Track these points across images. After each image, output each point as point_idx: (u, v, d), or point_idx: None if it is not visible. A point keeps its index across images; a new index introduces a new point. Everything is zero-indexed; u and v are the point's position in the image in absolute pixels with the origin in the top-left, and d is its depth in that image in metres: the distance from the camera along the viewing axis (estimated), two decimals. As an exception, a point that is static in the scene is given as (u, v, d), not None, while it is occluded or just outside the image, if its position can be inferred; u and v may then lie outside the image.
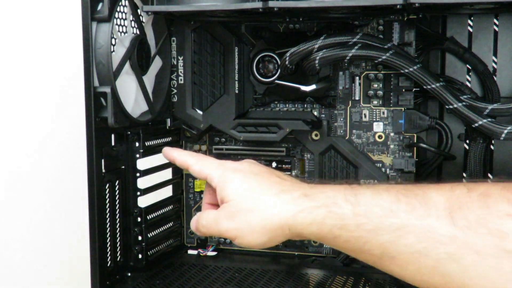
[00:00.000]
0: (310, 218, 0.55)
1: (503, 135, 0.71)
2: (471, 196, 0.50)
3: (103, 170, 0.70)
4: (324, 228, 0.54)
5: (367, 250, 0.53)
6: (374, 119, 0.81)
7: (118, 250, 0.74)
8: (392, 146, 0.80)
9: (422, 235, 0.50)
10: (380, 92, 0.79)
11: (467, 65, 0.79)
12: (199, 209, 0.88)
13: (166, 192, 0.86)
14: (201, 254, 0.87)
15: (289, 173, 0.84)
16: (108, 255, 0.72)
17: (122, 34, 0.74)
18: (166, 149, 0.71)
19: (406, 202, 0.51)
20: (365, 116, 0.81)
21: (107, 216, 0.72)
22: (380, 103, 0.80)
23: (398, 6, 0.63)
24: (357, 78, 0.80)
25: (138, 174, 0.77)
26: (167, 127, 0.84)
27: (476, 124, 0.72)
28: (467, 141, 0.80)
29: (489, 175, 0.79)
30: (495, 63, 0.78)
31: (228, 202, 0.59)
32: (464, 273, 0.49)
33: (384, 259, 0.52)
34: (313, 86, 0.79)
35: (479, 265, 0.48)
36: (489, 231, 0.47)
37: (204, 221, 0.62)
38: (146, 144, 0.77)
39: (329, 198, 0.55)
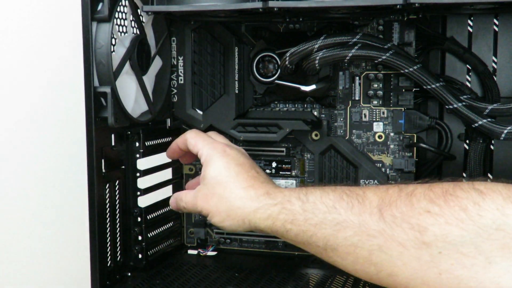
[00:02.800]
0: (266, 214, 0.62)
1: (503, 135, 0.71)
2: (400, 195, 0.56)
3: (103, 170, 0.70)
4: (277, 222, 0.61)
5: (313, 242, 0.59)
6: (374, 119, 0.81)
7: (118, 250, 0.74)
8: (392, 146, 0.80)
9: (357, 229, 0.56)
10: (380, 92, 0.79)
11: (467, 65, 0.79)
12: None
13: (166, 192, 0.86)
14: (201, 254, 0.87)
15: (289, 173, 0.84)
16: (108, 255, 0.72)
17: (122, 34, 0.74)
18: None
19: (347, 200, 0.58)
20: (365, 116, 0.81)
21: (107, 216, 0.72)
22: (380, 103, 0.80)
23: (398, 6, 0.63)
24: (357, 78, 0.80)
25: (138, 174, 0.77)
26: (167, 127, 0.84)
27: (476, 124, 0.72)
28: (467, 141, 0.80)
29: (489, 175, 0.79)
30: (495, 63, 0.78)
31: (205, 182, 0.67)
32: (391, 263, 0.55)
33: (328, 250, 0.59)
34: (313, 86, 0.79)
35: (403, 255, 0.54)
36: (411, 226, 0.53)
37: (184, 199, 0.69)
38: (146, 144, 0.77)
39: (285, 196, 0.62)
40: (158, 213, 0.82)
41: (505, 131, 0.70)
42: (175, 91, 0.83)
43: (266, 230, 0.63)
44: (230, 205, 0.64)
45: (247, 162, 0.68)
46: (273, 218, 0.62)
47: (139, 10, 0.75)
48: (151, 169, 0.80)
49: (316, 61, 0.73)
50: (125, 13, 0.73)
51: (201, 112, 0.83)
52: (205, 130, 0.83)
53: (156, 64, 0.80)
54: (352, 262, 0.58)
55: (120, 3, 0.70)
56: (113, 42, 0.70)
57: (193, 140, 0.71)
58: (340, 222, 0.57)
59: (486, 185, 0.54)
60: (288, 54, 0.74)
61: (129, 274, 0.76)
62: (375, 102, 0.80)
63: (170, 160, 0.87)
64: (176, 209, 0.72)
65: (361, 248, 0.56)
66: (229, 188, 0.65)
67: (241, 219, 0.64)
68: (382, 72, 0.79)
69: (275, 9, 0.65)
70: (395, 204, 0.55)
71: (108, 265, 0.72)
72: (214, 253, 0.88)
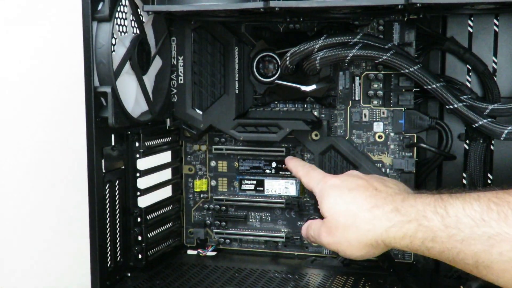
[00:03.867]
0: (401, 232, 0.57)
1: (503, 135, 0.71)
2: None
3: (103, 170, 0.70)
4: (415, 241, 0.56)
5: (461, 259, 0.54)
6: (374, 119, 0.81)
7: (118, 250, 0.74)
8: (392, 146, 0.80)
9: None
10: (380, 92, 0.79)
11: (467, 65, 0.79)
12: (198, 209, 0.88)
13: (166, 192, 0.86)
14: (200, 254, 0.87)
15: (289, 173, 0.84)
16: (108, 255, 0.72)
17: (123, 34, 0.74)
18: (288, 158, 0.80)
19: (497, 210, 0.52)
20: (365, 116, 0.81)
21: (107, 216, 0.71)
22: (380, 103, 0.80)
23: (399, 6, 0.63)
24: (357, 78, 0.80)
25: (138, 174, 0.77)
26: (167, 127, 0.83)
27: (476, 124, 0.72)
28: (467, 141, 0.80)
29: (489, 175, 0.79)
30: (495, 63, 0.78)
31: (326, 218, 0.63)
32: None
33: (480, 268, 0.53)
34: (313, 86, 0.79)
35: None
36: None
37: (312, 232, 0.67)
38: (146, 144, 0.77)
39: (419, 212, 0.56)
40: (158, 213, 0.82)
41: (506, 131, 0.71)
42: (175, 91, 0.83)
43: (404, 249, 0.59)
44: (359, 232, 0.60)
45: (360, 183, 0.64)
46: (410, 236, 0.57)
47: (139, 10, 0.75)
48: (151, 169, 0.80)
49: (317, 61, 0.73)
50: (125, 13, 0.73)
51: (201, 112, 0.83)
52: (205, 130, 0.83)
53: (156, 64, 0.79)
54: (510, 279, 0.52)
55: (121, 3, 0.70)
56: (114, 42, 0.70)
57: (305, 179, 0.72)
58: (493, 236, 0.51)
59: None
60: (288, 54, 0.74)
61: (129, 274, 0.76)
62: (375, 102, 0.80)
63: (170, 160, 0.87)
64: (305, 237, 0.70)
65: None
66: (353, 215, 0.60)
67: (374, 242, 0.59)
68: (382, 72, 0.79)
69: (276, 9, 0.65)
70: None
71: (108, 265, 0.72)
72: (213, 253, 0.87)
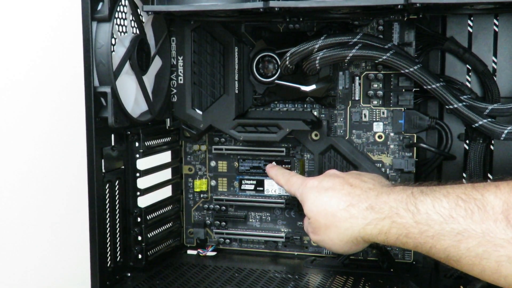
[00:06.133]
0: (377, 229, 0.60)
1: (503, 135, 0.71)
2: None
3: (103, 170, 0.70)
4: (391, 237, 0.59)
5: (434, 254, 0.56)
6: (374, 119, 0.81)
7: (118, 250, 0.74)
8: (392, 146, 0.80)
9: (481, 239, 0.52)
10: (380, 92, 0.79)
11: (467, 65, 0.79)
12: (198, 209, 0.88)
13: (166, 192, 0.86)
14: (200, 254, 0.87)
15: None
16: (108, 255, 0.72)
17: (122, 34, 0.74)
18: (268, 167, 0.81)
19: (465, 207, 0.54)
20: (365, 116, 0.81)
21: (107, 216, 0.71)
22: (380, 103, 0.80)
23: (399, 6, 0.63)
24: (357, 78, 0.80)
25: (138, 174, 0.77)
26: (167, 127, 0.83)
27: (476, 124, 0.72)
28: (467, 141, 0.80)
29: (489, 175, 0.79)
30: (495, 63, 0.78)
31: (310, 219, 0.67)
32: None
33: (451, 262, 0.55)
34: (313, 86, 0.79)
35: None
36: None
37: (305, 228, 0.72)
38: (146, 144, 0.77)
39: (392, 209, 0.59)
40: (157, 213, 0.82)
41: (506, 131, 0.70)
42: (175, 91, 0.83)
43: (383, 243, 0.62)
44: (338, 231, 0.63)
45: (336, 182, 0.67)
46: (385, 233, 0.60)
47: (139, 10, 0.75)
48: (151, 169, 0.80)
49: (317, 61, 0.73)
50: (125, 13, 0.73)
51: (200, 112, 0.83)
52: (204, 130, 0.83)
53: (156, 64, 0.80)
54: (479, 273, 0.54)
55: (120, 3, 0.70)
56: (113, 42, 0.70)
57: (287, 187, 0.74)
58: (461, 232, 0.53)
59: None
60: (288, 54, 0.74)
61: (129, 274, 0.76)
62: (375, 102, 0.80)
63: (170, 160, 0.87)
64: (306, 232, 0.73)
65: (487, 259, 0.52)
66: (331, 215, 0.64)
67: (354, 239, 0.63)
68: (382, 72, 0.79)
69: (276, 9, 0.65)
70: None
71: (108, 265, 0.72)
72: (213, 253, 0.87)
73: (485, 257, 0.52)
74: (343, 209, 0.63)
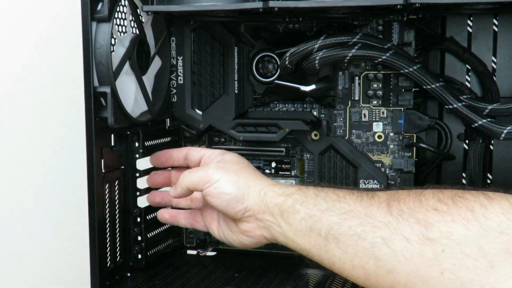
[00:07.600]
0: (282, 190, 0.65)
1: (503, 135, 0.71)
2: (410, 194, 0.57)
3: (103, 170, 0.70)
4: (289, 200, 0.63)
5: (316, 229, 0.61)
6: (374, 119, 0.81)
7: (117, 250, 0.74)
8: (391, 146, 0.80)
9: (363, 220, 0.58)
10: (380, 92, 0.79)
11: (467, 65, 0.80)
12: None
13: (166, 192, 0.86)
14: (200, 254, 0.87)
15: (288, 173, 0.84)
16: (107, 255, 0.72)
17: (122, 34, 0.74)
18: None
19: (357, 194, 0.61)
20: (364, 116, 0.81)
21: (106, 216, 0.71)
22: (380, 103, 0.80)
23: (398, 6, 0.63)
24: (357, 78, 0.80)
25: (137, 174, 0.77)
26: (167, 127, 0.83)
27: (476, 124, 0.72)
28: (467, 141, 0.80)
29: (489, 175, 0.79)
30: (495, 63, 0.78)
31: (224, 161, 0.70)
32: (393, 257, 0.55)
33: (329, 239, 0.59)
34: (313, 86, 0.79)
35: (406, 250, 0.54)
36: (417, 221, 0.54)
37: (187, 173, 0.70)
38: (146, 144, 0.77)
39: (300, 186, 0.66)
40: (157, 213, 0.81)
41: (505, 131, 0.70)
42: (175, 91, 0.83)
43: (273, 210, 0.64)
44: (248, 177, 0.67)
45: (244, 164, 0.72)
46: (287, 195, 0.64)
47: (138, 10, 0.75)
48: (151, 169, 0.80)
49: (316, 61, 0.73)
50: (125, 13, 0.73)
51: (200, 112, 0.83)
52: (204, 130, 0.83)
53: (156, 64, 0.80)
54: (351, 255, 0.58)
55: (120, 3, 0.70)
56: (113, 42, 0.70)
57: (196, 150, 0.75)
58: (347, 212, 0.59)
59: (496, 192, 0.54)
60: (288, 54, 0.74)
61: (129, 274, 0.76)
62: (374, 102, 0.80)
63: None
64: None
65: (364, 239, 0.57)
66: (248, 170, 0.69)
67: (257, 190, 0.66)
68: (381, 72, 0.79)
69: (276, 9, 0.65)
70: (404, 200, 0.57)
71: (108, 265, 0.72)
72: (213, 253, 0.87)
73: (362, 237, 0.57)
74: (260, 176, 0.69)
